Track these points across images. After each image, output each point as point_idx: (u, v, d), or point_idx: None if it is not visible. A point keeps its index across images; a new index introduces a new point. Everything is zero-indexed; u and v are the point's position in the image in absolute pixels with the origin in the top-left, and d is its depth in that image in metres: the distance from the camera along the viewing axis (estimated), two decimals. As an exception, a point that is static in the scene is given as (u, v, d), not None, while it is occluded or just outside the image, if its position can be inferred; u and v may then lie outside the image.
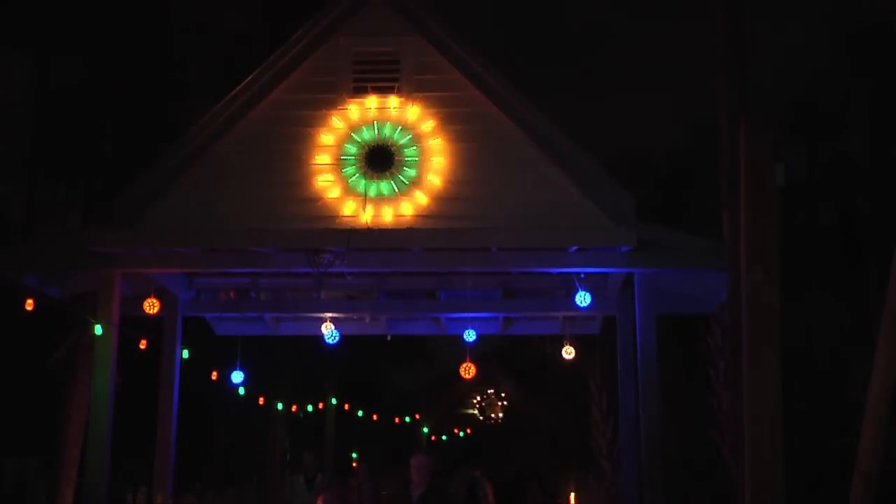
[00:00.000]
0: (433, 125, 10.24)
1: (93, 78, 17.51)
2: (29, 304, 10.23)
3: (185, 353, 12.42)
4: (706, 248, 9.71)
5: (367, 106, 10.29)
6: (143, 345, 12.60)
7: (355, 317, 13.47)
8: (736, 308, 6.81)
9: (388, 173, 10.12)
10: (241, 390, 16.80)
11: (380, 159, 10.15)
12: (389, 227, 10.00)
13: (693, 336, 13.23)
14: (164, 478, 11.29)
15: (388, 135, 10.19)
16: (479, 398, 39.76)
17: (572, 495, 16.77)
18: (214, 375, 15.45)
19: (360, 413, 28.94)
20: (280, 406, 22.32)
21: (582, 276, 10.82)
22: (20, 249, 11.29)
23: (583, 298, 10.66)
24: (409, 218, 10.07)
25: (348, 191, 10.14)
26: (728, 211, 7.34)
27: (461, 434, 40.87)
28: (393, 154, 10.14)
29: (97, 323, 10.12)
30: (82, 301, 11.39)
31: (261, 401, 20.50)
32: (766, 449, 6.14)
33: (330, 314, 12.51)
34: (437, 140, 10.22)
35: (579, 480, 16.22)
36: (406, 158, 10.15)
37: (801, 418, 10.54)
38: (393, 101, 10.32)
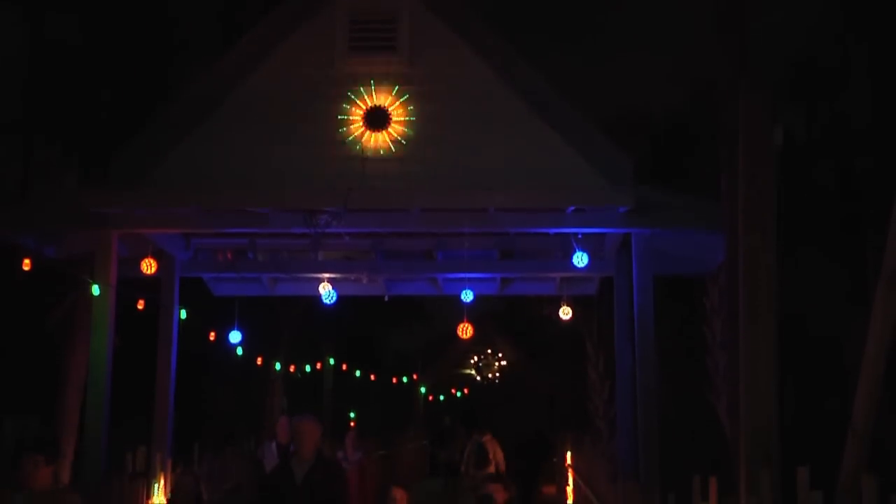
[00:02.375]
0: (431, 86, 10.18)
1: (86, 36, 17.39)
2: (26, 264, 10.22)
3: (183, 314, 12.44)
4: (704, 209, 9.71)
5: (365, 66, 10.23)
6: (140, 305, 12.62)
7: (353, 277, 13.48)
8: (733, 269, 6.83)
9: (385, 134, 10.08)
10: (240, 350, 16.85)
11: (377, 120, 10.11)
12: (387, 187, 9.98)
13: (689, 297, 13.26)
14: (163, 438, 11.34)
15: (385, 96, 10.14)
16: (476, 359, 39.95)
17: (568, 455, 16.87)
18: (212, 336, 15.49)
19: (357, 373, 29.08)
20: (278, 366, 22.42)
21: (579, 236, 10.83)
22: (17, 209, 11.27)
23: (580, 259, 10.67)
24: (406, 178, 10.05)
25: (346, 152, 10.10)
26: (726, 172, 7.33)
27: (458, 394, 41.10)
28: (390, 115, 10.09)
29: (95, 283, 10.13)
30: (80, 261, 11.38)
31: (259, 361, 20.58)
32: (761, 408, 6.19)
33: (327, 274, 12.53)
34: (434, 101, 10.17)
35: (576, 441, 16.31)
36: (404, 119, 10.11)
37: (796, 379, 10.60)
38: (391, 61, 10.25)
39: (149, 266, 10.92)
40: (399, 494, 6.82)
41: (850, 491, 5.33)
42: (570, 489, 16.30)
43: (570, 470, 16.37)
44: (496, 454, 18.09)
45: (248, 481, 11.71)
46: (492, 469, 18.20)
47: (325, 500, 7.21)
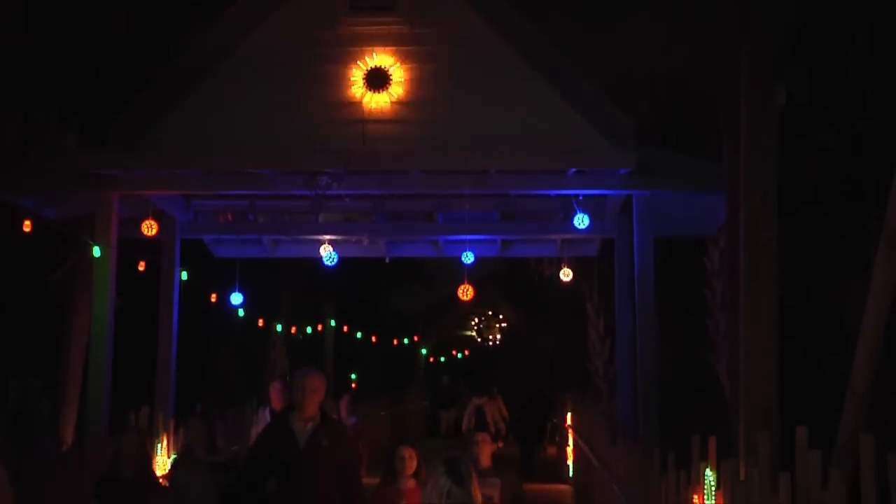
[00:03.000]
0: (431, 47, 10.12)
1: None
2: (27, 226, 10.22)
3: (184, 275, 12.47)
4: (705, 170, 9.70)
5: (365, 27, 10.16)
6: (141, 267, 12.64)
7: (353, 239, 13.49)
8: (734, 230, 6.84)
9: (386, 95, 10.03)
10: (241, 312, 16.90)
11: (378, 81, 10.05)
12: (387, 149, 9.95)
13: (690, 260, 13.27)
14: (165, 398, 11.41)
15: (386, 56, 10.08)
16: (477, 320, 40.06)
17: (569, 415, 16.98)
18: (213, 298, 15.52)
19: (358, 335, 29.18)
20: (279, 328, 22.48)
21: (580, 198, 10.83)
22: (16, 170, 11.24)
23: (581, 221, 10.67)
24: (406, 140, 10.02)
25: (346, 113, 10.06)
26: (727, 133, 7.31)
27: (459, 356, 41.27)
28: (391, 76, 10.04)
29: (95, 245, 10.14)
30: (80, 223, 11.38)
31: (260, 323, 20.64)
32: (760, 369, 6.22)
33: (328, 236, 12.53)
34: (435, 62, 10.11)
35: (576, 401, 16.41)
36: (404, 80, 10.06)
37: (796, 340, 10.63)
38: (391, 21, 10.19)
39: (149, 228, 10.93)
40: (409, 453, 6.47)
41: (848, 450, 5.38)
42: (570, 449, 16.42)
43: (570, 430, 16.47)
44: (497, 414, 18.38)
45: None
46: (491, 430, 18.43)
47: (335, 467, 6.33)
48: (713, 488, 5.40)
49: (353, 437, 10.22)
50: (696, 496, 5.65)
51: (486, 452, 6.98)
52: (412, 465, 6.47)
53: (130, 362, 13.43)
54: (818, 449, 4.33)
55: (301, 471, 6.22)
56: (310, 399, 6.43)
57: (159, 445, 9.54)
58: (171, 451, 9.65)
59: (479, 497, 4.20)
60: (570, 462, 16.34)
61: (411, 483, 6.48)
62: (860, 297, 5.65)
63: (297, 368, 7.57)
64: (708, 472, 5.51)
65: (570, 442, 16.29)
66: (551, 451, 21.09)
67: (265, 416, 9.63)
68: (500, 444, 17.04)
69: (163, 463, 9.39)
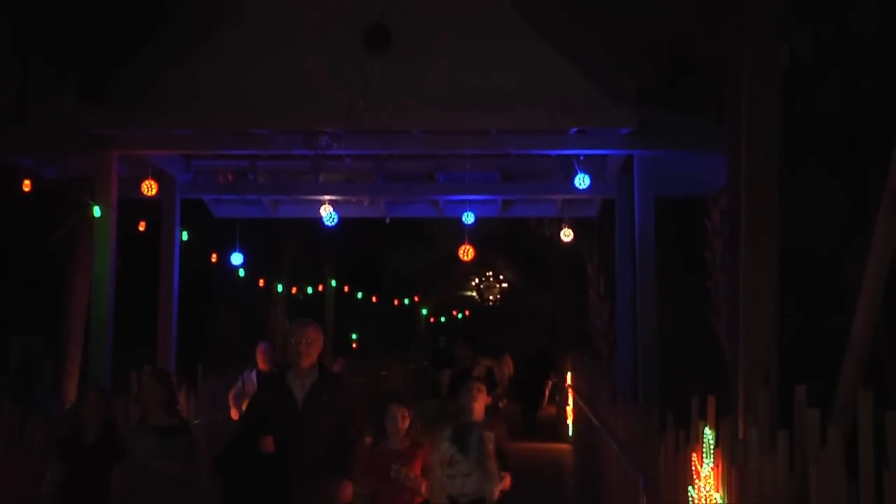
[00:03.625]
0: (433, 5, 10.04)
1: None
2: (26, 185, 10.21)
3: (185, 235, 12.47)
4: (707, 130, 9.66)
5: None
6: (142, 227, 12.64)
7: (354, 199, 13.48)
8: (735, 190, 6.82)
9: (386, 55, 9.96)
10: (242, 272, 16.93)
11: (378, 40, 9.97)
12: (388, 108, 9.90)
13: (690, 220, 13.26)
14: (166, 358, 11.46)
15: (386, 16, 9.99)
16: (477, 281, 40.12)
17: (569, 375, 17.05)
18: (214, 258, 15.54)
19: (359, 295, 29.23)
20: (280, 288, 22.53)
21: (581, 158, 10.80)
22: (15, 130, 11.20)
23: (582, 181, 10.65)
24: (407, 99, 9.96)
25: (346, 72, 9.99)
26: (730, 92, 7.27)
27: (459, 316, 41.38)
28: (391, 36, 9.96)
29: (96, 205, 10.13)
30: (80, 183, 11.36)
31: (261, 283, 20.68)
32: (760, 328, 6.23)
33: (328, 197, 12.51)
34: (436, 21, 10.03)
35: (576, 361, 16.47)
36: (405, 39, 9.98)
37: (797, 299, 10.65)
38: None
39: (149, 188, 10.92)
40: (401, 413, 5.95)
41: (847, 407, 5.40)
42: (569, 409, 16.51)
43: (569, 390, 16.56)
44: (504, 376, 18.69)
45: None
46: (499, 392, 18.63)
47: (335, 419, 6.06)
48: (712, 447, 5.43)
49: (354, 390, 9.36)
50: (694, 455, 5.68)
51: (479, 403, 6.61)
52: (404, 424, 6.02)
53: (132, 322, 13.47)
54: (817, 408, 4.35)
55: (299, 430, 5.94)
56: (306, 352, 6.14)
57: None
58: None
59: (493, 469, 3.74)
60: (569, 421, 16.44)
61: (406, 443, 6.11)
62: (861, 256, 5.64)
63: (293, 321, 6.80)
64: (707, 430, 5.53)
65: (570, 401, 16.37)
66: (551, 410, 21.21)
67: (251, 379, 9.28)
68: (503, 404, 17.22)
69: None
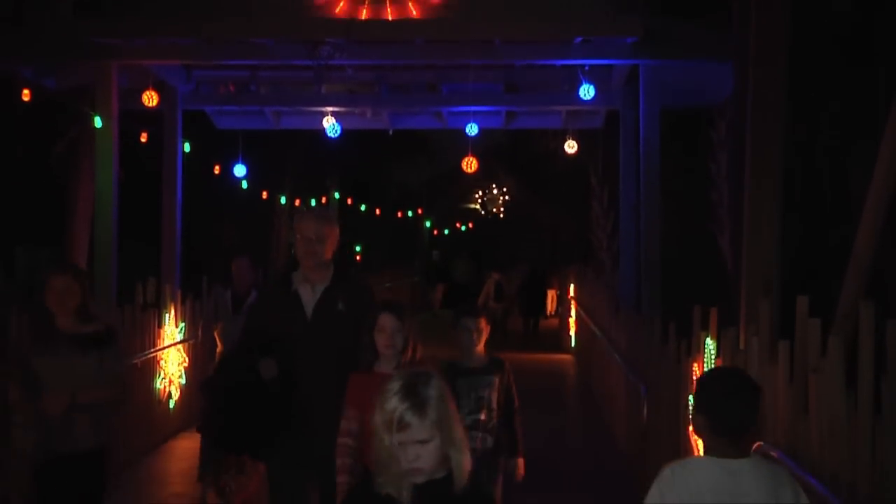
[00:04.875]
0: None
1: None
2: (25, 95, 10.12)
3: (187, 147, 12.41)
4: (714, 39, 9.51)
5: None
6: (143, 138, 12.57)
7: (357, 111, 13.37)
8: (741, 100, 6.75)
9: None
10: (245, 184, 16.90)
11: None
12: (391, 18, 9.75)
13: (694, 135, 13.16)
14: (171, 269, 11.50)
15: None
16: (480, 193, 40.06)
17: (571, 287, 17.14)
18: (217, 169, 15.50)
19: (362, 207, 29.22)
20: (283, 200, 22.52)
21: (586, 68, 10.67)
22: (12, 37, 11.04)
23: (586, 91, 10.53)
24: (410, 9, 9.81)
25: (348, -21, 9.82)
26: (738, 1, 7.14)
27: (463, 228, 41.44)
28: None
29: (96, 116, 10.05)
30: (81, 94, 11.27)
31: (264, 195, 20.67)
32: (763, 238, 6.23)
33: (331, 108, 12.42)
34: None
35: (579, 273, 16.55)
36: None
37: (801, 211, 10.62)
38: None
39: (150, 98, 10.82)
40: (393, 325, 4.32)
41: (849, 317, 5.43)
42: (572, 320, 16.64)
43: (572, 301, 16.66)
44: (513, 286, 19.02)
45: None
46: (506, 304, 18.97)
47: (351, 344, 4.51)
48: (713, 357, 5.48)
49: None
50: (695, 365, 5.74)
51: (482, 345, 5.33)
52: (397, 340, 4.36)
53: (136, 234, 13.50)
54: (819, 318, 4.37)
55: (309, 348, 4.71)
56: (320, 248, 4.89)
57: (167, 316, 9.64)
58: (179, 322, 9.77)
59: (460, 435, 2.79)
60: (572, 333, 16.58)
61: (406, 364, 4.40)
62: (868, 165, 5.62)
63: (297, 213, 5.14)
64: (708, 341, 5.58)
65: (573, 313, 16.49)
66: (554, 322, 21.40)
67: (226, 300, 8.19)
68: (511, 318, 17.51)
69: (170, 333, 9.52)
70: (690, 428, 5.05)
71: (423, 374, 2.79)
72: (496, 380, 5.29)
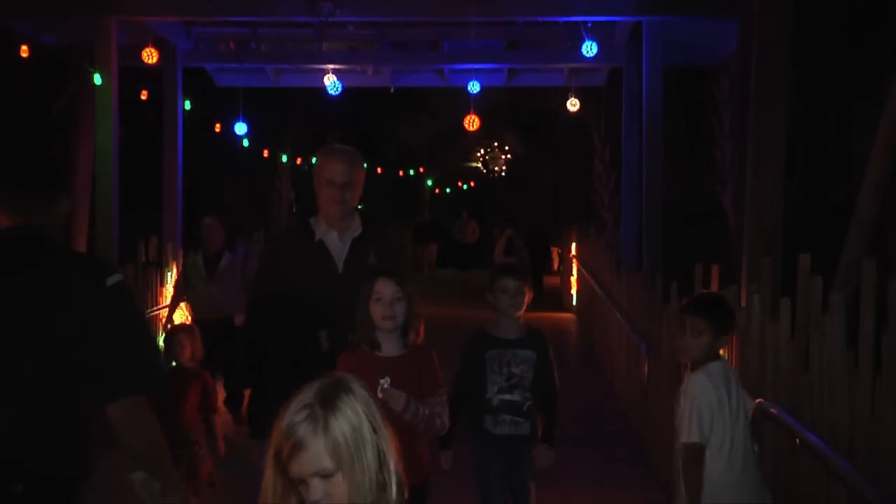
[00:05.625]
0: None
1: None
2: (24, 51, 10.04)
3: (188, 105, 12.34)
4: (718, -5, 9.42)
5: None
6: (144, 95, 12.50)
7: (358, 68, 13.29)
8: (746, 57, 6.70)
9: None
10: (246, 142, 16.84)
11: None
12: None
13: (698, 89, 13.08)
14: (173, 227, 11.51)
15: None
16: (482, 152, 39.93)
17: (573, 245, 17.13)
18: (218, 127, 15.42)
19: (364, 165, 29.12)
20: (284, 158, 22.45)
21: (589, 25, 10.58)
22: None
23: (589, 48, 10.45)
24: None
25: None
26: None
27: (465, 187, 41.35)
28: None
29: (96, 72, 9.99)
30: (81, 50, 11.18)
31: (265, 153, 20.58)
32: (766, 196, 6.21)
33: (332, 65, 12.33)
34: None
35: (580, 231, 16.52)
36: None
37: (804, 169, 10.60)
38: None
39: (150, 55, 10.74)
40: (387, 289, 3.68)
41: (851, 274, 5.43)
42: (573, 279, 16.65)
43: (574, 260, 16.66)
44: (524, 241, 19.17)
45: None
46: (516, 258, 19.00)
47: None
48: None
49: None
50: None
51: (523, 309, 4.55)
52: (398, 309, 3.70)
53: (137, 192, 13.47)
54: (820, 275, 4.37)
55: (341, 306, 3.86)
56: (347, 195, 4.27)
57: (169, 274, 9.66)
58: (181, 279, 9.77)
59: (387, 472, 1.94)
60: (573, 291, 16.60)
61: (414, 345, 3.79)
62: (872, 124, 5.58)
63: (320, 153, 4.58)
64: (710, 298, 5.57)
65: (574, 272, 16.49)
66: (556, 280, 21.42)
67: (198, 260, 7.85)
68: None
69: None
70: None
71: (343, 383, 1.98)
72: (534, 355, 4.51)
